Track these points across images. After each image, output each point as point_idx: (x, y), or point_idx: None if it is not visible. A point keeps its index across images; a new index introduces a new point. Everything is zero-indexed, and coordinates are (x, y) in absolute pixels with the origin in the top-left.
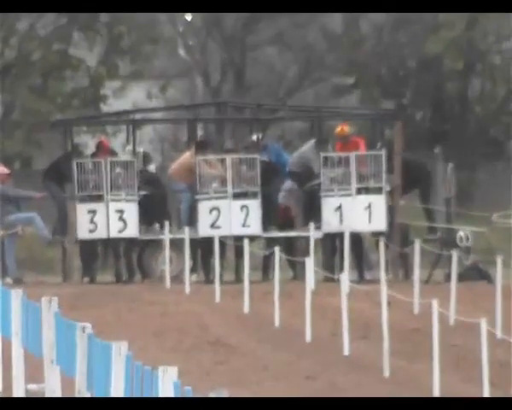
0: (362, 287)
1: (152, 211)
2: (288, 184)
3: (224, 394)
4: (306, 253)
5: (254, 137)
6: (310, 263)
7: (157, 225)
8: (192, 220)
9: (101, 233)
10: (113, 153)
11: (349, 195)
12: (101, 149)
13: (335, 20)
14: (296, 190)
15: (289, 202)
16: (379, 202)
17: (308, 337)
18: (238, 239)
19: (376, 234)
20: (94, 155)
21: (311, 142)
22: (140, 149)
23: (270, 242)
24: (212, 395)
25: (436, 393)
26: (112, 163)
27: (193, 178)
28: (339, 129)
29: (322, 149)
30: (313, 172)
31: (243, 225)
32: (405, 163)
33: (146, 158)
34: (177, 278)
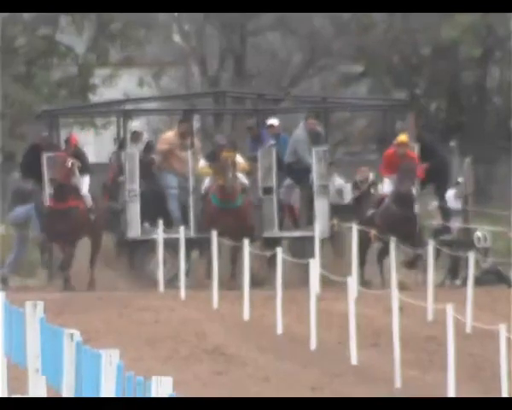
0: (371, 291)
1: (144, 208)
2: (288, 180)
3: None
4: (311, 254)
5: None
6: (315, 265)
7: (146, 224)
8: (187, 219)
9: None
10: (79, 152)
11: None
12: (69, 145)
13: None
14: (295, 186)
15: (292, 200)
16: None
17: (313, 346)
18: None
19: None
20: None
21: (301, 124)
22: (145, 136)
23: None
24: None
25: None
26: None
27: (181, 166)
28: (402, 138)
29: (316, 139)
30: (309, 165)
31: None
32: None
33: (148, 147)
34: (172, 282)
